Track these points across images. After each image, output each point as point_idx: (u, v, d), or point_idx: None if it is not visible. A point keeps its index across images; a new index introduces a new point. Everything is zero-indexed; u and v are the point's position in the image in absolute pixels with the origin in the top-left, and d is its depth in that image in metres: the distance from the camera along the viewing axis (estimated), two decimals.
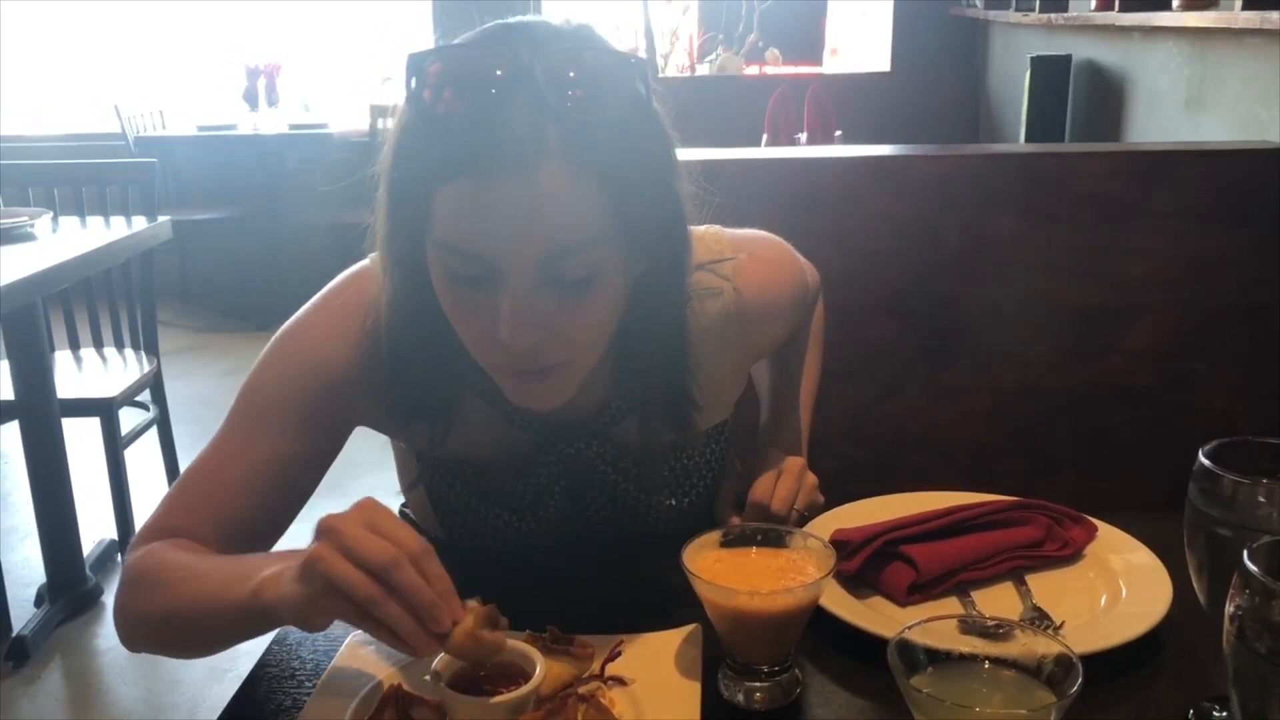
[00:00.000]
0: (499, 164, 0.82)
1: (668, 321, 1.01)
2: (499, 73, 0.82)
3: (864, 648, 0.89)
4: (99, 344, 3.12)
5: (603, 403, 1.07)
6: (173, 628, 0.94)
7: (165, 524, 0.97)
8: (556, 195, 0.83)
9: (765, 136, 3.83)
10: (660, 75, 4.73)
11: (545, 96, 0.82)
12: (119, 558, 2.95)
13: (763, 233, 1.18)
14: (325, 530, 0.77)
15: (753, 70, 4.89)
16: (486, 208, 0.83)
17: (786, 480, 1.09)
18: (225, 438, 1.00)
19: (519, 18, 0.90)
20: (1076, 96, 3.29)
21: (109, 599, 2.76)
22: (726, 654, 0.87)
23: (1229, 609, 0.64)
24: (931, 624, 0.74)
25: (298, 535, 1.04)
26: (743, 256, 1.10)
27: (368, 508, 0.78)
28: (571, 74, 0.83)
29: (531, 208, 0.82)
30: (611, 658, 0.88)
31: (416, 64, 0.85)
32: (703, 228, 1.09)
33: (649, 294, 0.96)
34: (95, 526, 2.95)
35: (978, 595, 1.00)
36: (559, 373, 0.92)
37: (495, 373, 0.94)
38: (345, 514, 0.78)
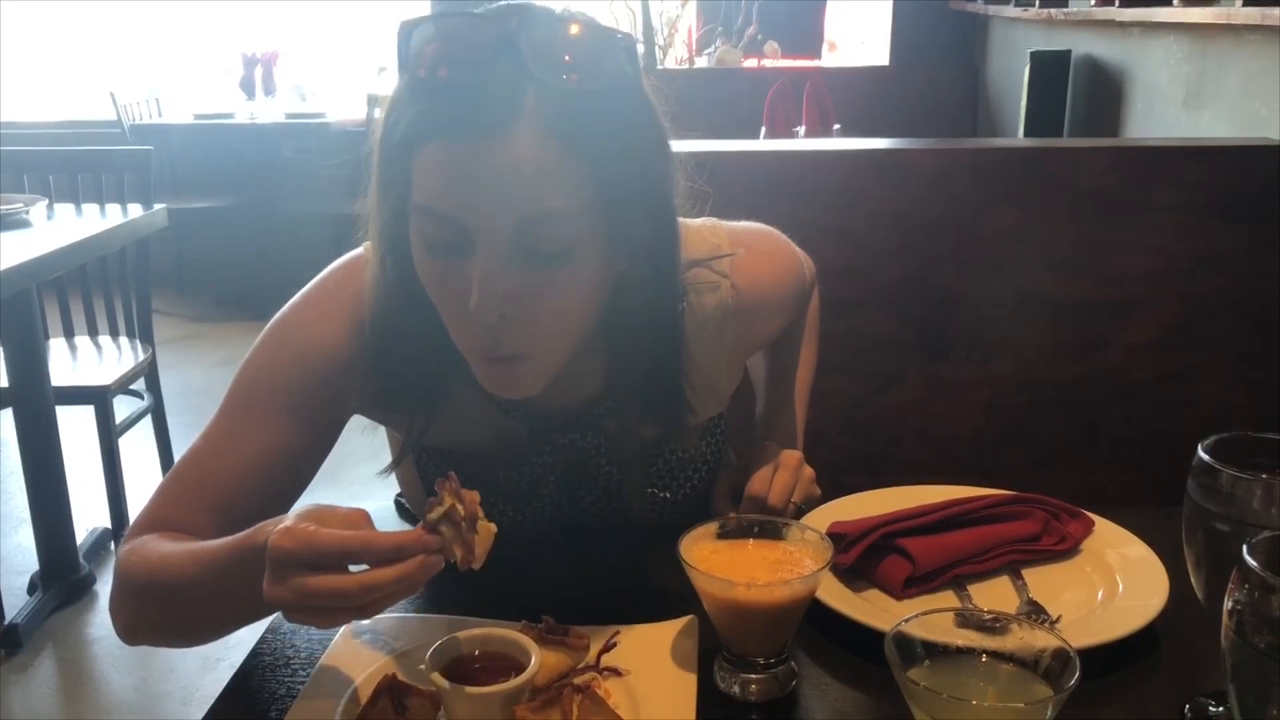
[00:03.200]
0: (475, 127, 0.82)
1: (660, 316, 1.00)
2: (483, 39, 0.83)
3: (860, 640, 0.89)
4: (94, 332, 3.11)
5: (597, 395, 1.07)
6: (167, 615, 0.94)
7: (159, 515, 0.96)
8: (532, 162, 0.82)
9: (764, 129, 3.83)
10: (659, 67, 4.72)
11: (528, 64, 0.82)
12: (112, 546, 2.95)
13: (760, 225, 1.17)
14: (269, 587, 0.76)
15: (751, 63, 4.87)
16: (461, 171, 0.83)
17: (784, 474, 1.08)
18: (219, 427, 0.99)
19: None
20: (1076, 92, 3.29)
21: (102, 587, 2.76)
22: (722, 646, 0.87)
23: (1228, 604, 0.64)
24: (928, 617, 0.74)
25: None
26: (741, 252, 1.09)
27: (283, 553, 0.75)
28: (557, 44, 0.83)
29: (505, 173, 0.82)
30: (607, 648, 0.88)
31: (406, 30, 0.85)
32: (699, 220, 1.08)
33: (639, 287, 0.96)
34: (89, 515, 2.94)
35: (974, 589, 1.00)
36: (524, 363, 0.91)
37: (467, 355, 0.93)
38: (278, 564, 0.76)
